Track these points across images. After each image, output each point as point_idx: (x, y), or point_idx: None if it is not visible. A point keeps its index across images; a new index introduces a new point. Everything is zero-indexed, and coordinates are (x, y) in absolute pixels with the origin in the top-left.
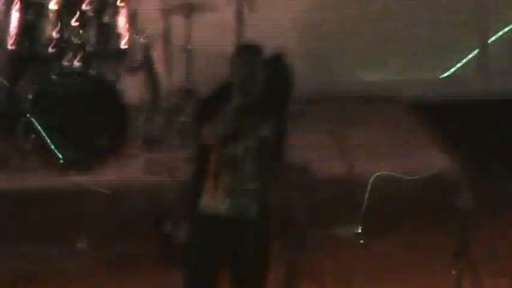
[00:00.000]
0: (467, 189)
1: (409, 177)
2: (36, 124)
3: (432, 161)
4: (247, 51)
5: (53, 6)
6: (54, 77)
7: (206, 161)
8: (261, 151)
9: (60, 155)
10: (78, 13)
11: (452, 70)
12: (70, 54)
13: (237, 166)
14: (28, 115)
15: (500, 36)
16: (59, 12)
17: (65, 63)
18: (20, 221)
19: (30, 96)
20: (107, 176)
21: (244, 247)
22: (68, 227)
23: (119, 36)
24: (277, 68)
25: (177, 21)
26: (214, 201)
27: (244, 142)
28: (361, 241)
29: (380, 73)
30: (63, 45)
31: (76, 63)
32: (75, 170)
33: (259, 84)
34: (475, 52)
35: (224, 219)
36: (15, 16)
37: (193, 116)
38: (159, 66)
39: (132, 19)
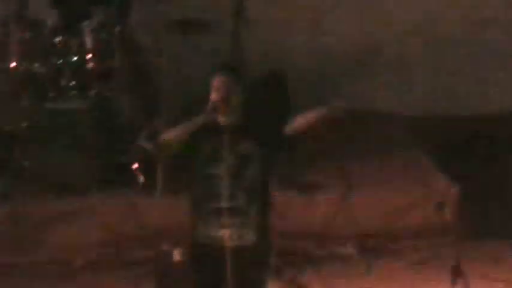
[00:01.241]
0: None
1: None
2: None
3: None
4: (225, 72)
5: (51, 24)
6: (52, 95)
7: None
8: (242, 169)
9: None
10: (76, 31)
11: None
12: (68, 73)
13: (219, 187)
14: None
15: None
16: (57, 31)
17: (63, 81)
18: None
19: (28, 115)
20: (107, 196)
21: (240, 273)
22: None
23: (116, 55)
24: (273, 87)
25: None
26: (206, 228)
27: (225, 161)
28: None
29: None
30: (61, 64)
31: (74, 82)
32: (74, 191)
33: (238, 104)
34: None
35: (218, 246)
36: (14, 34)
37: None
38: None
39: (130, 36)
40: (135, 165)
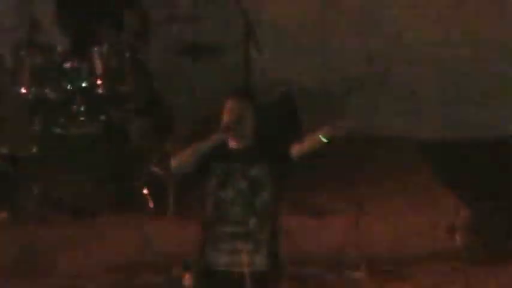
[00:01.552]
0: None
1: None
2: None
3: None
4: (237, 97)
5: (62, 49)
6: (63, 120)
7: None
8: (253, 194)
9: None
10: (86, 57)
11: None
12: (78, 98)
13: (230, 212)
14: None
15: None
16: (68, 55)
17: (74, 106)
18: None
19: (39, 140)
20: (117, 220)
21: None
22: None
23: (127, 78)
24: (284, 109)
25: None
26: (216, 253)
27: (235, 185)
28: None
29: None
30: (72, 89)
31: (84, 107)
32: (85, 215)
33: (250, 128)
34: None
35: (229, 272)
36: (24, 59)
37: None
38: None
39: (140, 61)
40: (146, 190)
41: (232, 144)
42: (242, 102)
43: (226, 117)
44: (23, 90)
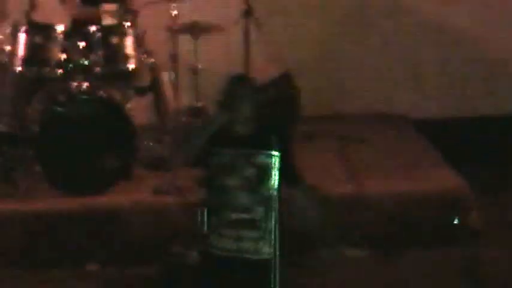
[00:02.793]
0: (478, 208)
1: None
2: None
3: (442, 179)
4: (236, 83)
5: (60, 28)
6: (62, 99)
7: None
8: (259, 180)
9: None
10: (85, 35)
11: None
12: (78, 76)
13: (235, 198)
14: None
15: None
16: (66, 35)
17: (73, 85)
18: (30, 243)
19: (38, 119)
20: (116, 198)
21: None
22: (78, 248)
23: (126, 58)
24: (282, 88)
25: (185, 42)
26: (220, 240)
27: (241, 172)
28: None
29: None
30: (71, 67)
31: (84, 85)
32: (83, 193)
33: (252, 114)
34: None
35: (233, 259)
36: (23, 39)
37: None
38: (167, 87)
39: (139, 40)
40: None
41: (235, 130)
42: (242, 90)
43: (227, 108)
44: (21, 69)
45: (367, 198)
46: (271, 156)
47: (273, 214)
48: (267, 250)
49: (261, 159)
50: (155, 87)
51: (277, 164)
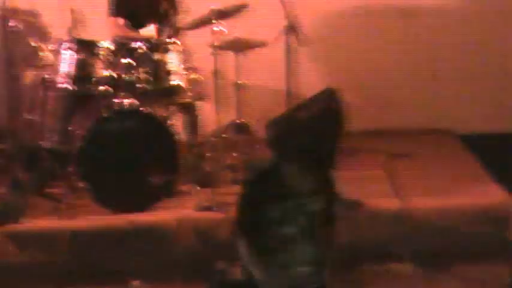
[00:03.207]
0: None
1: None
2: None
3: (487, 194)
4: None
5: (105, 44)
6: (106, 115)
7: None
8: (314, 228)
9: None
10: (130, 51)
11: None
12: (121, 92)
13: (292, 246)
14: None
15: None
16: (110, 51)
17: (117, 100)
18: (75, 259)
19: (83, 135)
20: (163, 214)
21: None
22: (123, 265)
23: (170, 74)
24: (328, 104)
25: (228, 58)
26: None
27: (296, 220)
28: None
29: None
30: (114, 83)
31: (127, 101)
32: (128, 209)
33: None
34: None
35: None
36: (67, 55)
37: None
38: (211, 102)
39: (183, 56)
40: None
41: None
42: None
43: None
44: (65, 86)
45: (413, 213)
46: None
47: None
48: (322, 279)
49: (312, 205)
50: (193, 104)
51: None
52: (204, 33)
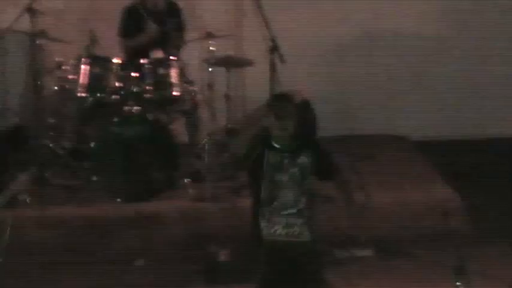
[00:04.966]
0: (465, 214)
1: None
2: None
3: (435, 190)
4: (282, 99)
5: (116, 61)
6: (117, 120)
7: (258, 190)
8: (302, 177)
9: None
10: (137, 66)
11: None
12: (131, 101)
13: (285, 192)
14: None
15: None
16: (121, 66)
17: (126, 108)
18: (89, 242)
19: (97, 137)
20: (163, 204)
21: (301, 268)
22: (129, 247)
23: (172, 86)
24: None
25: (220, 72)
26: (272, 227)
27: (289, 171)
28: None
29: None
30: (125, 94)
31: (135, 108)
32: (134, 199)
33: (294, 123)
34: None
35: (281, 243)
36: (84, 69)
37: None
38: (204, 110)
39: (182, 71)
40: (187, 179)
41: (279, 144)
42: (288, 104)
43: (275, 119)
44: (83, 95)
45: (374, 206)
46: (308, 157)
47: (311, 205)
48: (308, 233)
49: (302, 159)
50: (194, 110)
51: (313, 163)
52: (200, 51)
